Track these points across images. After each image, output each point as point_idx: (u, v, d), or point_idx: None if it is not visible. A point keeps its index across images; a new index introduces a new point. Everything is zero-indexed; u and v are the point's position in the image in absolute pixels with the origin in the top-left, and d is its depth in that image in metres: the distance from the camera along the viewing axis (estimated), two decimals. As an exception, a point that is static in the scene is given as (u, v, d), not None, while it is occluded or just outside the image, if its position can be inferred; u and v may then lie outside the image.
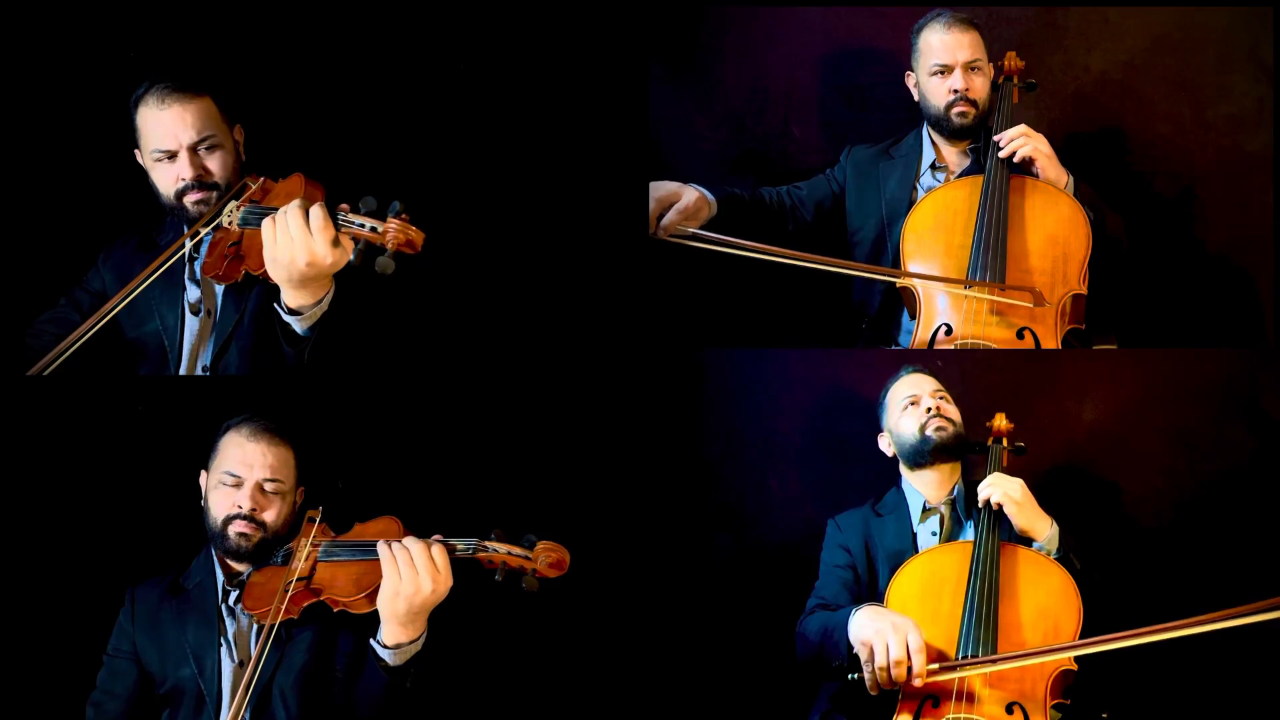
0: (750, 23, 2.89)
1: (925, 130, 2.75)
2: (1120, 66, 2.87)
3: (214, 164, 2.39)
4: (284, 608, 2.26)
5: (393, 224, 2.16)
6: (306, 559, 2.31)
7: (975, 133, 2.70)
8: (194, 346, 2.45)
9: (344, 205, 2.19)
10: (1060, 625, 2.38)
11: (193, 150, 2.38)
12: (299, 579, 2.29)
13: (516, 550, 2.26)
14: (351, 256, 2.17)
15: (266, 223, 2.18)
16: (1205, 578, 2.72)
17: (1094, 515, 2.62)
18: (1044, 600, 2.41)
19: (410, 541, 2.24)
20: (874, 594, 2.57)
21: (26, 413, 2.58)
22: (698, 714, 2.63)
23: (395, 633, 2.24)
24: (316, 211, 2.16)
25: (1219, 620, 2.19)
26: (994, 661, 2.30)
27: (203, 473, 2.44)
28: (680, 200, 2.58)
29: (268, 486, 2.38)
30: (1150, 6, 2.85)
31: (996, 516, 2.50)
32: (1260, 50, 2.79)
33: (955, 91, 2.66)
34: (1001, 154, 2.58)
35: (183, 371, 2.44)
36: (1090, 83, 2.87)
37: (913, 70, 2.74)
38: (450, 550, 2.24)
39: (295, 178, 2.32)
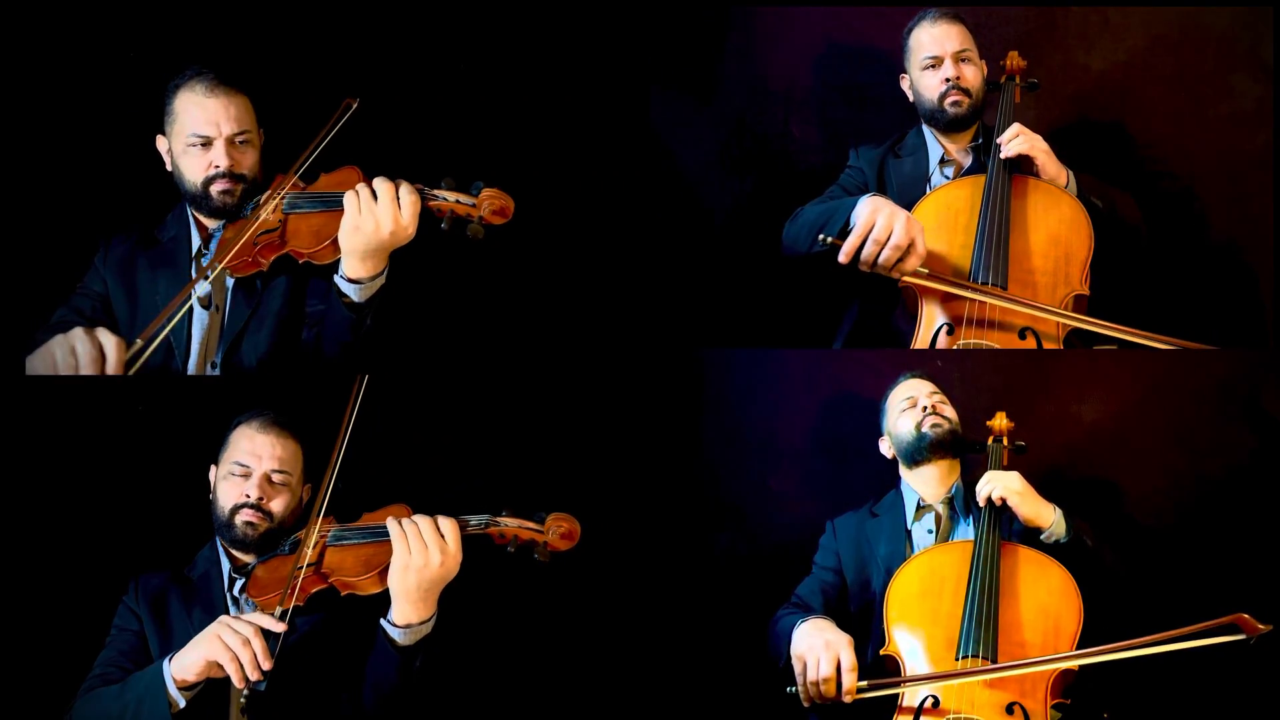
0: (750, 23, 2.89)
1: (925, 128, 2.75)
2: (1120, 66, 2.87)
3: (246, 159, 2.45)
4: (295, 593, 2.28)
5: (487, 192, 2.33)
6: (315, 545, 2.33)
7: (970, 123, 2.70)
8: (203, 341, 2.47)
9: (419, 185, 2.34)
10: (1061, 624, 2.38)
11: (230, 141, 2.43)
12: (308, 564, 2.31)
13: (528, 524, 2.33)
14: (444, 225, 2.33)
15: (350, 194, 2.30)
16: (1205, 578, 2.72)
17: (1094, 515, 2.62)
18: (1044, 599, 2.41)
19: (419, 517, 2.29)
20: (867, 596, 2.59)
21: (26, 412, 2.59)
22: (698, 713, 2.62)
23: (405, 611, 2.27)
24: (405, 185, 2.31)
25: (1156, 644, 2.26)
26: (916, 681, 2.33)
27: (212, 467, 2.47)
28: (918, 243, 2.45)
29: (275, 478, 2.42)
30: (1150, 6, 2.85)
31: (997, 515, 2.50)
32: (1260, 50, 2.79)
33: (947, 80, 2.66)
34: (1002, 156, 2.59)
35: (191, 367, 2.46)
36: (1090, 83, 2.87)
37: (905, 72, 2.75)
38: (462, 526, 2.29)
39: (350, 169, 2.39)
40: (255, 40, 2.66)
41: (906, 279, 2.48)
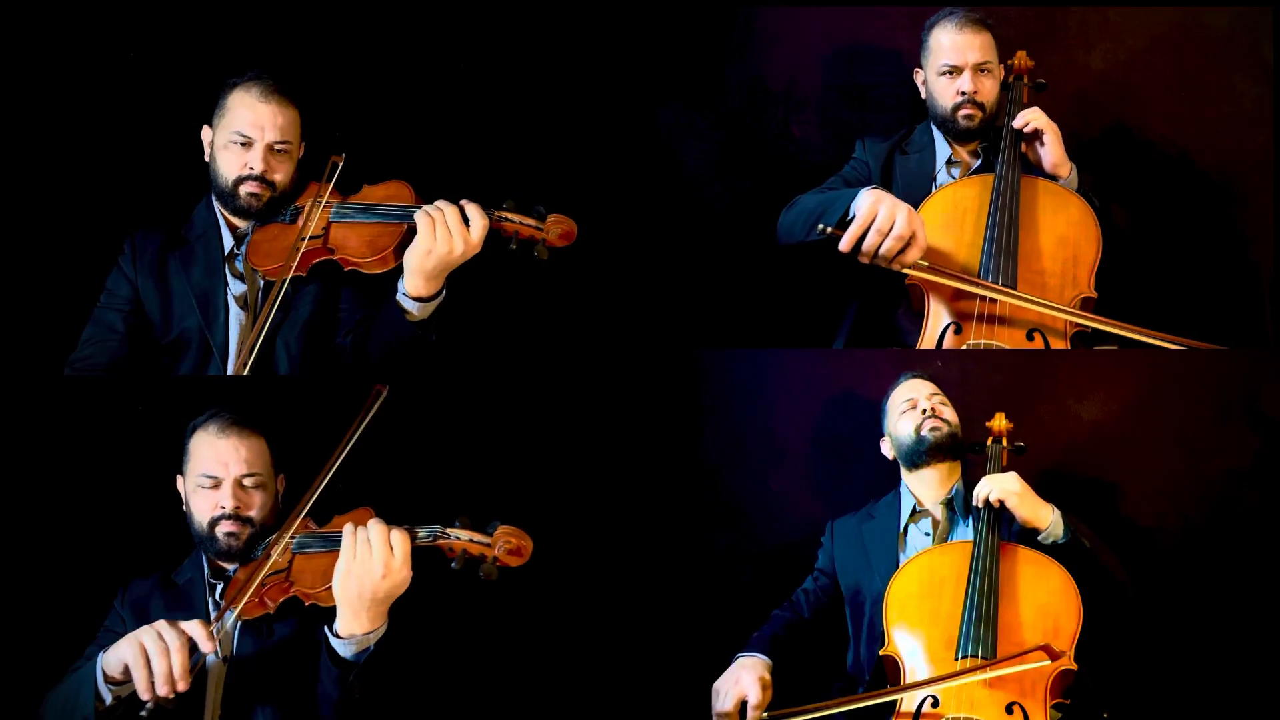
0: (750, 22, 2.89)
1: (933, 127, 2.74)
2: (1120, 66, 2.87)
3: (280, 167, 2.49)
4: (258, 601, 2.26)
5: (554, 217, 2.42)
6: (283, 551, 2.30)
7: (981, 135, 2.70)
8: (240, 341, 2.49)
9: (483, 205, 2.40)
10: (1060, 625, 2.38)
11: (269, 147, 2.48)
12: (274, 572, 2.28)
13: (478, 537, 2.25)
14: (513, 245, 2.41)
15: (424, 216, 2.36)
16: (1205, 578, 2.72)
17: (1094, 515, 2.62)
18: (1044, 600, 2.41)
19: (373, 523, 2.23)
20: (860, 599, 2.60)
21: (28, 412, 2.59)
22: (697, 714, 2.62)
23: (349, 622, 2.21)
24: (473, 207, 2.37)
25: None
26: (815, 710, 2.35)
27: (179, 477, 2.43)
28: (919, 234, 2.44)
29: (247, 481, 2.37)
30: (1150, 6, 2.85)
31: (996, 516, 2.50)
32: (1260, 50, 2.80)
33: (963, 94, 2.66)
34: (1015, 124, 2.59)
35: (230, 364, 2.48)
36: (1090, 82, 2.87)
37: (921, 68, 2.74)
38: (412, 536, 2.23)
39: (400, 184, 2.46)
40: (306, 52, 2.72)
41: (910, 273, 2.48)
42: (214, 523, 2.35)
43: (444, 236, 2.35)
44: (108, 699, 2.19)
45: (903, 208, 2.44)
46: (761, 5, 2.89)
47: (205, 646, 2.16)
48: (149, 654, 2.13)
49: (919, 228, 2.45)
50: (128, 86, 2.70)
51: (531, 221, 2.41)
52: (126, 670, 2.14)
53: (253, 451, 2.39)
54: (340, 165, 2.47)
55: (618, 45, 2.74)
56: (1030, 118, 2.60)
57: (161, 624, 2.16)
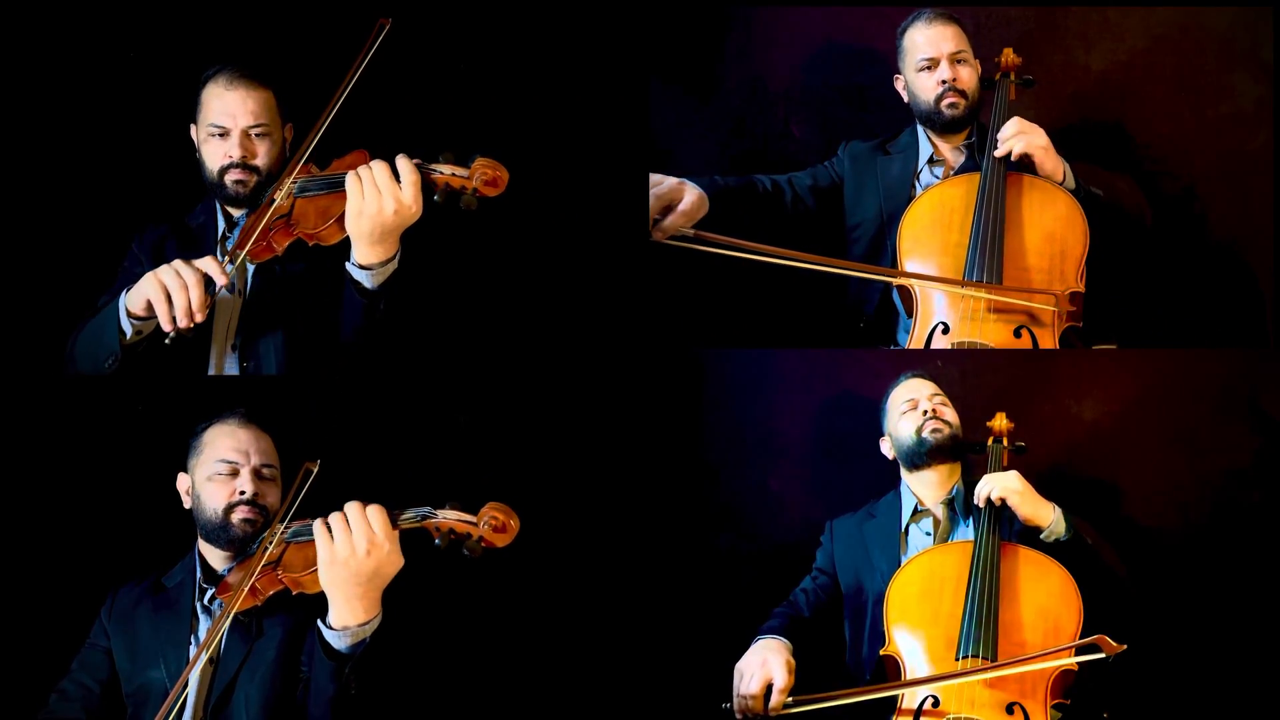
0: (750, 23, 2.90)
1: (919, 127, 2.75)
2: (1120, 66, 2.86)
3: (260, 150, 2.50)
4: (245, 591, 2.26)
5: (479, 162, 2.31)
6: (276, 544, 2.30)
7: (966, 124, 2.71)
8: (226, 322, 2.50)
9: (416, 160, 2.33)
10: (1061, 625, 2.38)
11: (245, 133, 2.49)
12: (266, 563, 2.28)
13: (464, 516, 2.22)
14: (437, 197, 2.31)
15: (351, 177, 2.31)
16: (1205, 578, 2.72)
17: (1094, 515, 2.62)
18: (1044, 600, 2.41)
19: (349, 505, 2.22)
20: (861, 598, 2.60)
21: (28, 411, 2.60)
22: (697, 713, 2.63)
23: (341, 612, 2.20)
24: (404, 162, 2.31)
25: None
26: (843, 696, 2.37)
27: (181, 475, 2.45)
28: (682, 201, 2.52)
29: (265, 472, 2.40)
30: (1150, 6, 2.85)
31: (996, 516, 2.50)
32: (1260, 50, 2.79)
33: (944, 82, 2.67)
34: (998, 153, 2.59)
35: (212, 348, 2.49)
36: (1090, 82, 2.87)
37: (900, 72, 2.75)
38: (395, 519, 2.21)
39: (358, 152, 2.40)
40: (281, 36, 2.71)
41: (674, 243, 2.49)
42: (230, 509, 2.36)
43: (372, 195, 2.28)
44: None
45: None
46: (761, 5, 2.89)
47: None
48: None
49: (691, 194, 2.47)
50: (128, 86, 2.71)
51: (461, 171, 2.31)
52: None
53: (269, 444, 2.43)
54: (387, 28, 2.42)
55: (618, 45, 2.74)
56: (1011, 144, 2.58)
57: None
